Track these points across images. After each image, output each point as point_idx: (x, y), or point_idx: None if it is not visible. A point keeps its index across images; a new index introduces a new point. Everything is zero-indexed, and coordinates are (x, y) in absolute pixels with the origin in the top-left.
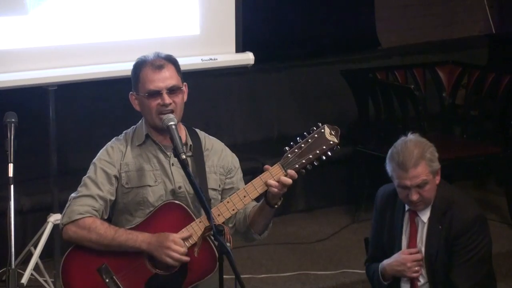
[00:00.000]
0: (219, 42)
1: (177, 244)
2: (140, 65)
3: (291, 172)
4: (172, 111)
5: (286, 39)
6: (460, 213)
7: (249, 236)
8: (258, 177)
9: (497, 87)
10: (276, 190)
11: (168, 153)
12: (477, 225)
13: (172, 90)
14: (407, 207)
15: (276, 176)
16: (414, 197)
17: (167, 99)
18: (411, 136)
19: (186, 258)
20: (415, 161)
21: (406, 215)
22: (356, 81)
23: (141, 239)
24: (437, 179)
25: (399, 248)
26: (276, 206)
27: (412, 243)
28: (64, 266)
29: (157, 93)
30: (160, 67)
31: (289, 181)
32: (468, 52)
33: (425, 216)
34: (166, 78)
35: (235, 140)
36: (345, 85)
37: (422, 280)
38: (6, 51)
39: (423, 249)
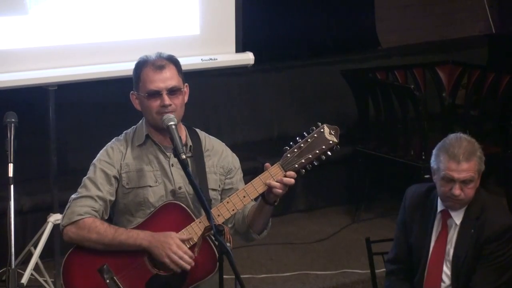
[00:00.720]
0: (219, 42)
1: (179, 248)
2: (141, 65)
3: (289, 173)
4: (172, 112)
5: (286, 39)
6: (493, 220)
7: (249, 236)
8: (258, 177)
9: (497, 87)
10: (280, 191)
11: (168, 154)
12: (508, 235)
13: (173, 91)
14: (439, 208)
15: (275, 176)
16: (457, 191)
17: (167, 100)
18: (463, 135)
19: (186, 266)
20: (468, 155)
21: (438, 216)
22: (356, 81)
23: (141, 236)
24: (478, 182)
25: (427, 249)
26: (275, 203)
27: (440, 244)
28: (65, 266)
29: (157, 94)
30: (161, 68)
31: (291, 181)
32: (468, 52)
33: (458, 218)
34: (167, 78)
35: (235, 140)
36: (345, 85)
37: (447, 281)
38: (6, 51)
39: (451, 251)
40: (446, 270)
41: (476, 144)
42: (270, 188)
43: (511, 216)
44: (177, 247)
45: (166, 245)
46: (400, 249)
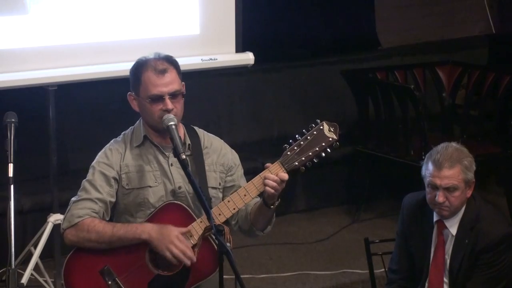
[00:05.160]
0: (219, 42)
1: (181, 241)
2: (141, 67)
3: (281, 175)
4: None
5: (286, 39)
6: (487, 230)
7: (252, 233)
8: (258, 175)
9: (497, 87)
10: (272, 190)
11: (167, 154)
12: (504, 244)
13: (175, 95)
14: (435, 218)
15: (275, 173)
16: (441, 198)
17: (170, 105)
18: (454, 143)
19: (187, 261)
20: (451, 163)
21: (435, 227)
22: (356, 81)
23: (141, 229)
24: (468, 192)
25: (428, 260)
26: (272, 206)
27: (438, 255)
28: (66, 268)
29: (159, 98)
30: (163, 72)
31: (285, 176)
32: (468, 52)
33: (453, 229)
34: (169, 83)
35: (235, 140)
36: (345, 85)
37: None
38: (6, 51)
39: (448, 261)
40: (446, 280)
41: (464, 153)
42: (264, 185)
43: (506, 226)
44: (178, 240)
45: (167, 237)
46: (401, 259)
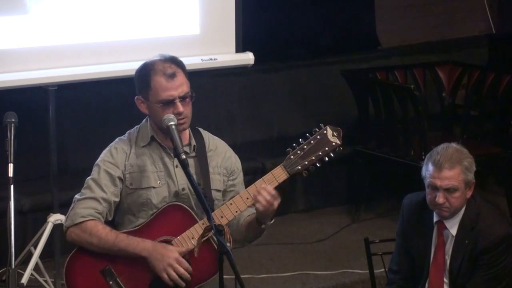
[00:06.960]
0: (219, 42)
1: (180, 264)
2: (149, 72)
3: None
4: (184, 118)
5: (286, 39)
6: (488, 230)
7: (239, 242)
8: (261, 178)
9: (497, 87)
10: (264, 203)
11: (173, 155)
12: (504, 245)
13: (184, 98)
14: (435, 219)
15: (278, 177)
16: (441, 199)
17: (181, 108)
18: (454, 144)
19: (182, 284)
20: (451, 163)
21: (435, 227)
22: (356, 81)
23: (141, 246)
24: (469, 193)
25: (429, 260)
26: (263, 226)
27: (438, 255)
28: (67, 268)
29: (170, 102)
30: (172, 76)
31: (269, 189)
32: (468, 52)
33: (453, 229)
34: (178, 86)
35: (235, 140)
36: (345, 85)
37: None
38: (6, 51)
39: (448, 262)
40: (446, 280)
41: (464, 154)
42: (255, 197)
43: (506, 226)
44: (177, 263)
45: (166, 258)
46: (401, 259)
